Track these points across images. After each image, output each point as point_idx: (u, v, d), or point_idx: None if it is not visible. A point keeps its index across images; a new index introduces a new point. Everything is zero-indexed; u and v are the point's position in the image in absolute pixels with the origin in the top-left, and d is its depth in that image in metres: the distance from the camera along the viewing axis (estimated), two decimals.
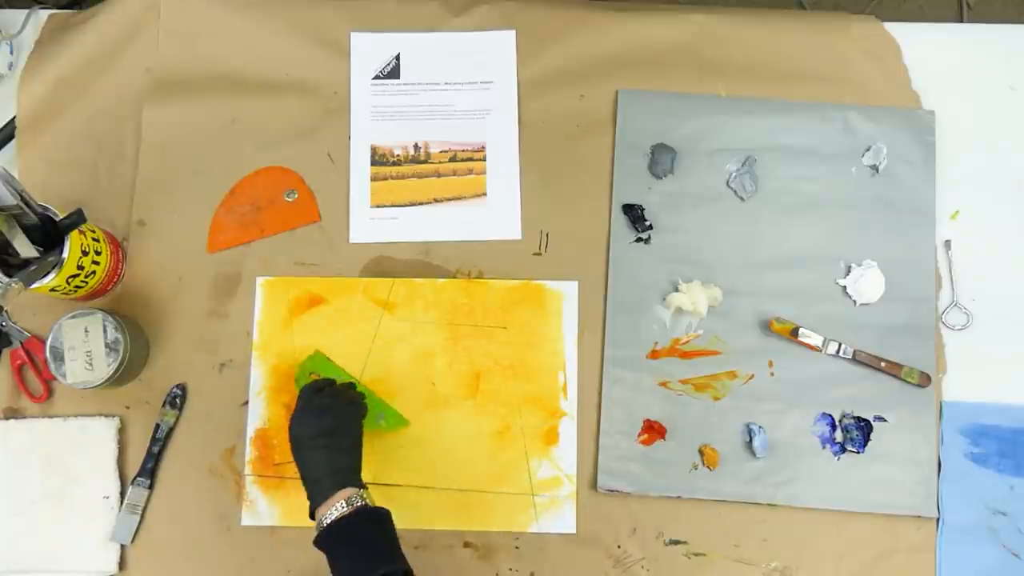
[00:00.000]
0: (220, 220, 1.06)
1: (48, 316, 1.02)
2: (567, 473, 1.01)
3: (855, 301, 1.04)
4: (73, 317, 0.96)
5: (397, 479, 1.01)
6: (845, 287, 1.04)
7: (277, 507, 1.00)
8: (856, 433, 1.00)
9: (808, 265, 1.05)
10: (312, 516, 0.85)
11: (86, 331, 0.96)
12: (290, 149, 1.08)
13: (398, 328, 1.04)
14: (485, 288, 1.04)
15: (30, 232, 0.91)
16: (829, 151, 1.07)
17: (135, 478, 1.00)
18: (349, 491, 0.84)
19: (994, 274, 1.05)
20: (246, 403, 1.02)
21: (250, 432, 1.02)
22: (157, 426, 1.01)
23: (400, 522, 0.97)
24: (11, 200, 0.87)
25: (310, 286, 1.05)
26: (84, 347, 0.96)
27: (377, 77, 1.10)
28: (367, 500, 0.84)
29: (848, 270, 1.04)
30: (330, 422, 0.88)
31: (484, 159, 1.08)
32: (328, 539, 0.83)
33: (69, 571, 0.99)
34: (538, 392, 1.02)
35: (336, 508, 0.83)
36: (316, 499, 0.85)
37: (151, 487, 1.00)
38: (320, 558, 0.82)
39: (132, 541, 1.00)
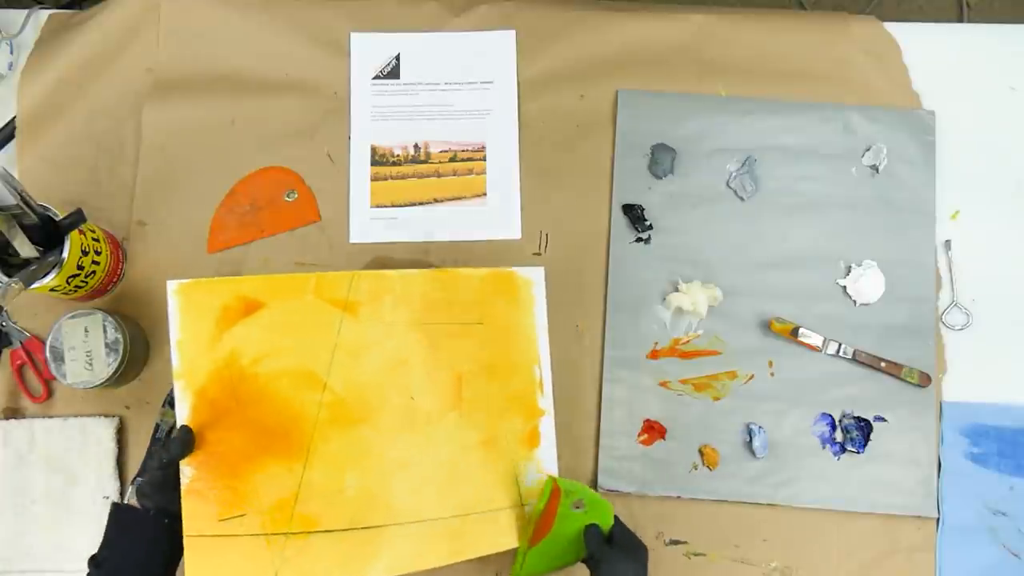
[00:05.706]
0: (220, 220, 1.06)
1: (48, 316, 1.02)
2: (550, 473, 0.92)
3: (855, 301, 1.04)
4: (73, 317, 0.96)
5: (381, 519, 0.83)
6: (845, 287, 1.04)
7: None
8: (856, 433, 1.00)
9: (808, 265, 1.05)
10: None
11: (86, 331, 0.96)
12: (290, 149, 1.08)
13: (364, 332, 0.85)
14: (455, 278, 0.91)
15: (30, 232, 0.91)
16: (829, 151, 1.07)
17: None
18: None
19: (994, 274, 1.05)
20: None
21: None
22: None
23: (391, 570, 0.82)
24: (11, 200, 0.87)
25: (241, 288, 0.81)
26: (84, 347, 0.96)
27: (377, 77, 1.10)
28: None
29: (848, 270, 1.04)
30: None
31: (484, 159, 1.08)
32: None
33: (69, 571, 0.99)
34: (517, 392, 0.92)
35: None
36: None
37: None
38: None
39: None
